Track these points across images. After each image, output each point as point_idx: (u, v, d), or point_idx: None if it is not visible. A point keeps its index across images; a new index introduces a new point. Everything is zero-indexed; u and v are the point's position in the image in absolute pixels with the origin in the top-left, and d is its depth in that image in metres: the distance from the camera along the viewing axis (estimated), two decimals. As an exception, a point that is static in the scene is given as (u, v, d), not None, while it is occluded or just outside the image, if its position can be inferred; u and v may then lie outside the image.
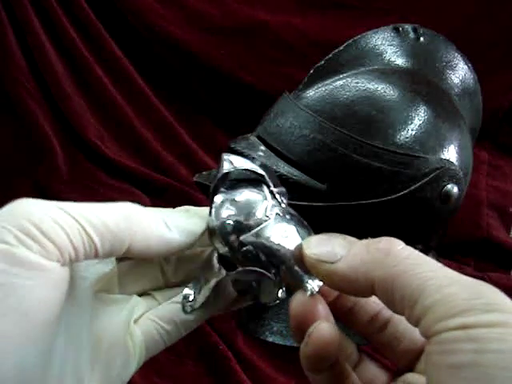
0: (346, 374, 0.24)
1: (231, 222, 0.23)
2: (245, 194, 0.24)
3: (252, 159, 0.26)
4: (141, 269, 0.26)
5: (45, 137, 0.79)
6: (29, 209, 0.20)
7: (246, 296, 0.26)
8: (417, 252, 0.20)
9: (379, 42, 0.56)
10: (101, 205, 0.22)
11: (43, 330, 0.20)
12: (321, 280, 0.22)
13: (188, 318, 0.26)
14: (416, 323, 0.18)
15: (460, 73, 0.58)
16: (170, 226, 0.23)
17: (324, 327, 0.22)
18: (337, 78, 0.52)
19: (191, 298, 0.26)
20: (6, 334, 0.18)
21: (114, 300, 0.25)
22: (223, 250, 0.24)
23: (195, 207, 0.26)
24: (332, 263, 0.21)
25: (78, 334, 0.23)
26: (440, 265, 0.19)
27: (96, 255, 0.21)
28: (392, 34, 0.56)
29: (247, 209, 0.24)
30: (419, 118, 0.49)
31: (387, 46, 0.56)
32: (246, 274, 0.24)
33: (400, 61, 0.56)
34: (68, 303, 0.21)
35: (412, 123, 0.49)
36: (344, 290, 0.22)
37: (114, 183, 0.79)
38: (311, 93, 0.51)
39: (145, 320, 0.26)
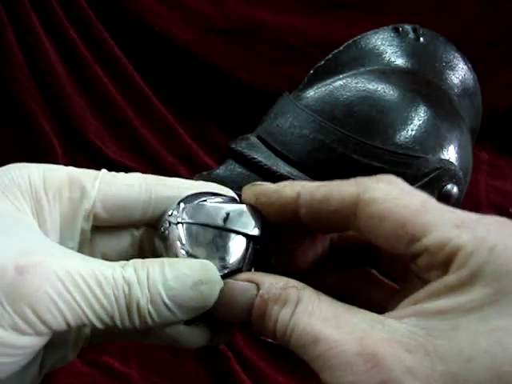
0: None
1: None
2: None
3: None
4: None
5: (45, 137, 0.78)
6: (34, 286, 0.19)
7: None
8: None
9: (379, 42, 0.56)
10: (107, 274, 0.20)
11: None
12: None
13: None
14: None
15: (460, 73, 0.58)
16: (169, 304, 0.21)
17: None
18: (337, 78, 0.52)
19: None
20: None
21: None
22: None
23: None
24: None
25: None
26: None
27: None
28: (392, 35, 0.56)
29: None
30: (419, 118, 0.49)
31: (387, 46, 0.56)
32: None
33: (400, 61, 0.56)
34: None
35: (412, 123, 0.49)
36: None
37: (114, 183, 0.79)
38: (311, 93, 0.51)
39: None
